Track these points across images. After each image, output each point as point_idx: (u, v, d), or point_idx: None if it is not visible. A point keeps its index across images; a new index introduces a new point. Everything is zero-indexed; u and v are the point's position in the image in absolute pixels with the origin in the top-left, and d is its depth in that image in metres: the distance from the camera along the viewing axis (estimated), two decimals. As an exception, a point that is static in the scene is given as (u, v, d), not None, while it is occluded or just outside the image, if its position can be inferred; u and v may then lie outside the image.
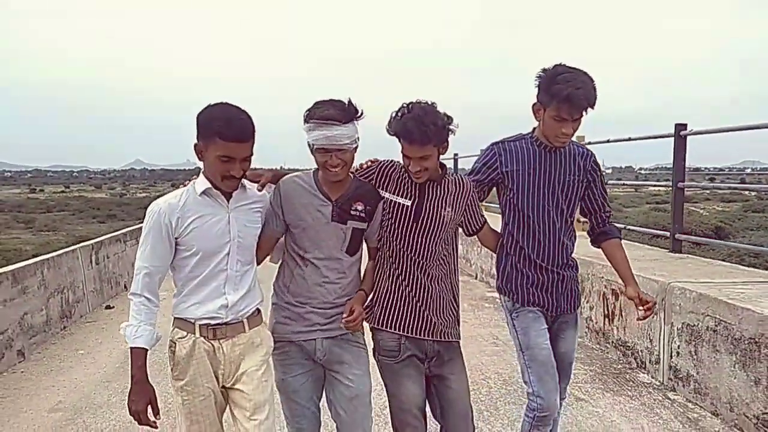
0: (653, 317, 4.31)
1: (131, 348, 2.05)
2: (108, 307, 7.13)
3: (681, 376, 4.14)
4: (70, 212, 40.82)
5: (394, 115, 2.30)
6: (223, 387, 2.22)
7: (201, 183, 2.13)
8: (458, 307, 2.54)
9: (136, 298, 2.10)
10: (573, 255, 2.70)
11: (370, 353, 2.48)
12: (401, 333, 2.41)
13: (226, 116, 2.04)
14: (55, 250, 6.61)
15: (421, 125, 2.22)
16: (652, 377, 4.44)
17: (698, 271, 4.77)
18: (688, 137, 5.93)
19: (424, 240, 2.41)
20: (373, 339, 2.47)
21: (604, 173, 2.73)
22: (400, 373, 2.42)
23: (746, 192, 30.72)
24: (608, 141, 7.47)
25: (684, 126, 5.91)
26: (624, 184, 13.50)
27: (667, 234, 6.15)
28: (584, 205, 2.71)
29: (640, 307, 2.55)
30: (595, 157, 2.69)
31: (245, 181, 2.21)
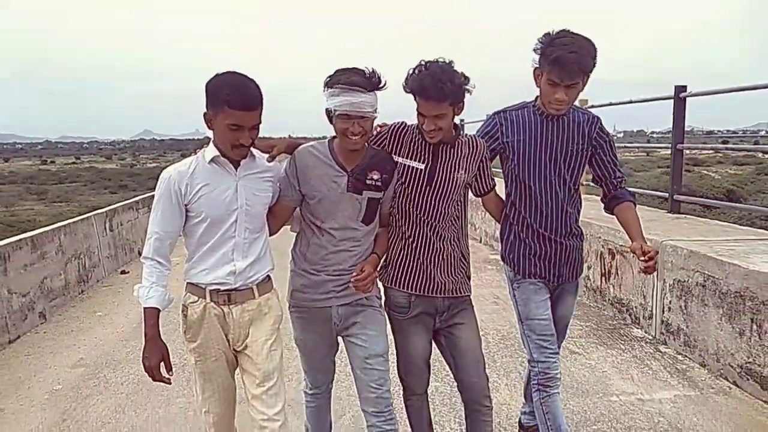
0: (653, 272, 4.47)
1: (144, 308, 2.13)
2: (123, 272, 7.39)
3: (672, 330, 4.31)
4: (81, 183, 41.10)
5: (411, 72, 2.27)
6: (234, 350, 2.28)
7: (210, 151, 2.17)
8: (468, 264, 2.55)
9: (147, 262, 2.18)
10: (577, 223, 2.67)
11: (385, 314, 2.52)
12: (412, 292, 2.45)
13: (234, 85, 2.05)
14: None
15: (438, 82, 2.19)
16: (645, 332, 4.62)
17: (693, 230, 4.90)
18: (689, 99, 5.99)
19: (436, 203, 2.41)
20: (385, 295, 2.52)
21: (613, 138, 2.66)
22: (408, 329, 2.48)
23: (760, 154, 30.43)
24: (610, 104, 7.53)
25: (684, 88, 5.96)
26: (626, 147, 13.33)
27: (666, 195, 6.27)
28: (594, 172, 2.66)
29: (642, 258, 2.39)
30: (601, 123, 2.61)
31: (255, 150, 2.23)
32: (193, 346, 2.24)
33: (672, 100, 6.02)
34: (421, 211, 2.40)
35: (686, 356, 4.13)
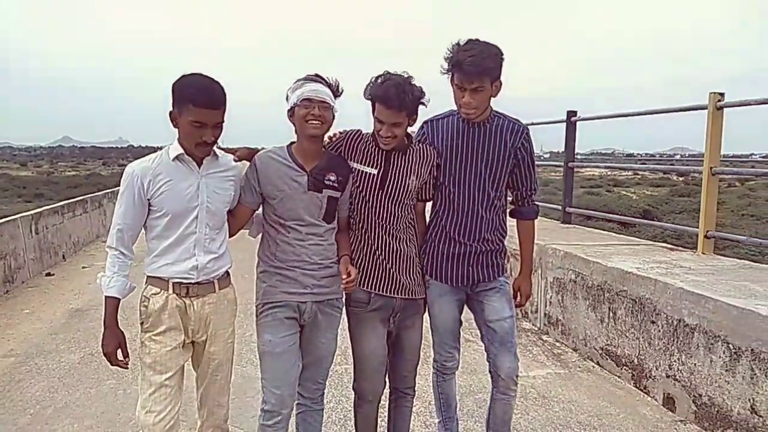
0: (534, 273, 5.14)
1: (105, 297, 2.18)
2: (48, 274, 7.48)
3: (552, 321, 5.00)
4: None
5: (374, 80, 2.39)
6: (192, 342, 2.33)
7: (174, 149, 2.22)
8: (420, 265, 2.70)
9: (111, 251, 2.22)
10: (497, 230, 2.73)
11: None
12: (372, 291, 2.54)
13: (198, 84, 2.13)
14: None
15: (402, 93, 2.32)
16: (532, 324, 5.29)
17: (576, 237, 5.64)
18: (579, 123, 6.81)
19: (389, 206, 2.51)
20: (345, 294, 2.57)
21: (533, 151, 2.74)
22: (365, 323, 2.56)
23: (674, 177, 32.99)
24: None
25: (574, 113, 6.80)
26: (552, 166, 14.21)
27: (559, 208, 7.04)
28: (510, 181, 2.72)
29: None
30: (527, 133, 2.67)
31: (218, 151, 2.31)
32: (150, 334, 2.24)
33: (565, 124, 6.84)
34: (376, 214, 2.52)
35: (562, 343, 4.82)
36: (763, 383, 2.96)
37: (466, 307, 2.83)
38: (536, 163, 2.77)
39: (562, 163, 6.99)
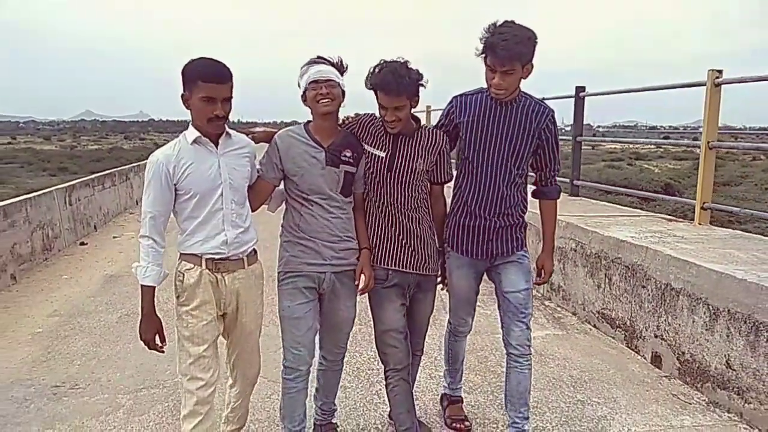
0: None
1: (141, 285, 2.29)
2: (82, 243, 7.95)
3: (555, 288, 5.31)
4: (18, 164, 39.61)
5: (372, 69, 2.52)
6: (224, 314, 2.48)
7: (191, 133, 2.33)
8: (436, 244, 2.83)
9: (144, 241, 2.31)
10: (518, 206, 2.81)
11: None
12: (389, 267, 2.69)
13: (205, 62, 2.27)
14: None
15: (398, 77, 2.45)
16: (536, 291, 5.60)
17: (580, 209, 5.90)
18: (587, 97, 7.02)
19: (398, 187, 2.64)
20: None
21: (558, 134, 2.81)
22: (384, 297, 2.71)
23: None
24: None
25: (583, 88, 7.00)
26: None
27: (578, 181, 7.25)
28: (534, 161, 2.80)
29: (537, 278, 2.95)
30: (552, 115, 2.73)
31: (230, 130, 2.43)
32: (187, 308, 2.36)
33: (574, 99, 7.05)
34: (388, 194, 2.65)
35: (563, 308, 5.13)
36: (737, 340, 3.25)
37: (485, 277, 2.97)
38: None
39: (571, 137, 7.21)
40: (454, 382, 3.25)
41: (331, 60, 2.54)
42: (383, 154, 2.63)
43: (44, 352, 4.15)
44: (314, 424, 2.98)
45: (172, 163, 2.30)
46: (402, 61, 2.52)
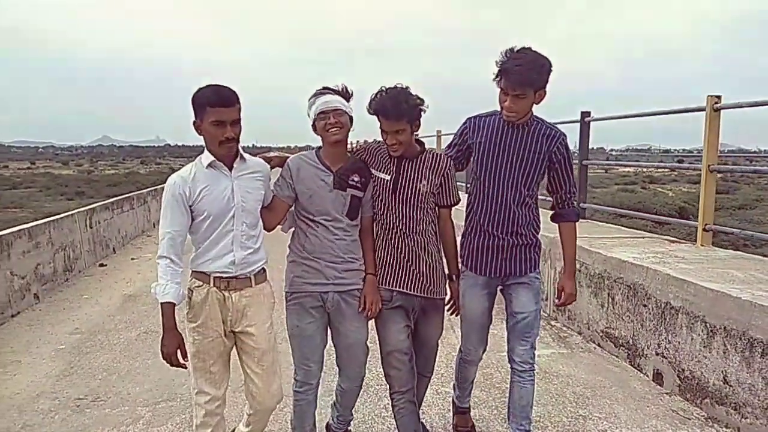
0: (544, 263, 5.58)
1: (161, 303, 2.34)
2: (101, 265, 8.19)
3: (561, 308, 5.43)
4: (36, 189, 40.23)
5: (373, 96, 2.60)
6: (232, 331, 2.54)
7: (206, 157, 2.44)
8: (443, 268, 2.87)
9: (162, 261, 2.38)
10: (530, 225, 2.88)
11: None
12: (394, 288, 2.75)
13: (211, 89, 2.37)
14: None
15: (396, 103, 2.53)
16: (543, 311, 5.72)
17: (585, 231, 6.02)
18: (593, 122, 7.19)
19: (404, 209, 2.70)
20: None
21: (571, 158, 2.87)
22: (388, 318, 2.76)
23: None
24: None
25: (588, 113, 7.18)
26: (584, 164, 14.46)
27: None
28: (549, 184, 2.89)
29: (556, 299, 3.00)
30: (563, 139, 2.81)
31: (245, 154, 2.53)
32: (194, 325, 2.48)
33: (579, 124, 7.22)
34: (393, 217, 2.72)
35: (569, 328, 5.24)
36: (733, 356, 3.36)
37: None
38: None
39: (577, 161, 7.36)
40: (462, 396, 3.35)
41: (337, 89, 2.65)
42: (388, 177, 2.71)
43: (67, 366, 4.34)
44: (330, 427, 3.10)
45: (188, 185, 2.41)
46: (402, 87, 2.60)
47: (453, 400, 3.43)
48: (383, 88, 2.59)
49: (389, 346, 2.77)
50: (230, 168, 2.48)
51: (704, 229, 5.06)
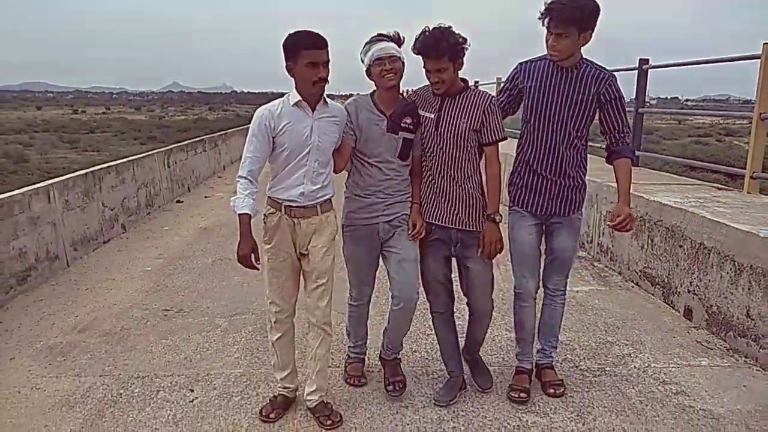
0: (591, 207, 5.80)
1: (239, 214, 2.58)
2: (178, 201, 8.95)
3: (603, 249, 5.68)
4: (111, 133, 41.79)
5: (416, 36, 2.68)
6: (301, 253, 2.79)
7: (293, 96, 2.63)
8: (484, 200, 2.91)
9: (242, 179, 2.62)
10: (578, 167, 2.95)
11: None
12: (431, 221, 2.93)
13: (303, 33, 2.54)
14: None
15: (437, 40, 2.61)
16: (587, 253, 5.98)
17: (637, 177, 6.13)
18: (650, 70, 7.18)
19: (445, 146, 2.81)
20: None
21: (622, 98, 2.90)
22: (426, 251, 2.98)
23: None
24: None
25: (646, 60, 7.16)
26: (655, 113, 14.31)
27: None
28: (601, 125, 2.94)
29: (608, 222, 2.93)
30: (611, 82, 2.86)
31: (328, 98, 2.69)
32: (268, 247, 2.76)
33: (636, 72, 7.22)
34: (434, 153, 2.85)
35: (610, 268, 5.50)
36: (756, 292, 3.59)
37: None
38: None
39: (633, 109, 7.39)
40: (521, 352, 3.24)
41: (390, 35, 2.77)
42: (432, 116, 2.83)
43: (154, 285, 4.98)
44: (381, 357, 3.26)
45: (274, 119, 2.62)
46: (444, 26, 2.67)
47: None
48: (426, 28, 2.67)
49: (427, 274, 3.01)
50: (313, 109, 2.67)
51: (752, 177, 5.16)
